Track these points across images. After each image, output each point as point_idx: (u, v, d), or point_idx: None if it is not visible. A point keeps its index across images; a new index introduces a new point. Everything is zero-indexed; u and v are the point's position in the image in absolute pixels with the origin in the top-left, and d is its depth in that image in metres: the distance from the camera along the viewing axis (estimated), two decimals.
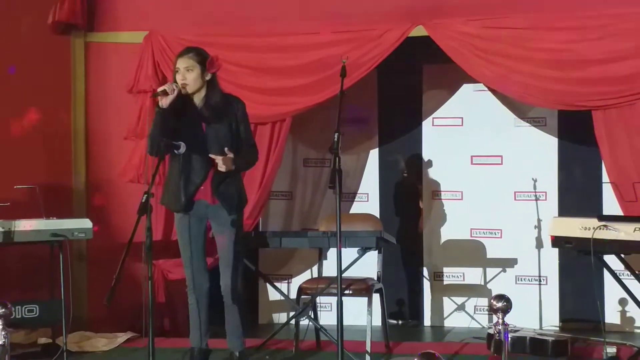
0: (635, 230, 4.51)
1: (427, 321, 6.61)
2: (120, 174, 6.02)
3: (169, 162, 4.75)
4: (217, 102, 4.64)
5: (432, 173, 6.63)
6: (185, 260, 4.79)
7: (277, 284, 6.19)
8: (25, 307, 5.24)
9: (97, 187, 6.17)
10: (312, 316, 5.35)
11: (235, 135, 4.67)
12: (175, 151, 4.58)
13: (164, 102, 4.49)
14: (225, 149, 4.55)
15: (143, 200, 4.20)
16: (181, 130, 4.56)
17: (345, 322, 4.26)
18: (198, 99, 4.66)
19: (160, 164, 4.40)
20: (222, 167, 4.54)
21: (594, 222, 4.67)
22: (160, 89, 4.52)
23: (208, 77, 4.64)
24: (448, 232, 6.60)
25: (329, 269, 5.40)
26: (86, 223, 5.29)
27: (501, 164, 6.50)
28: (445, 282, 6.61)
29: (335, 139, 4.17)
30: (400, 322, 6.68)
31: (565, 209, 6.25)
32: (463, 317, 6.54)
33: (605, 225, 4.60)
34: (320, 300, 5.93)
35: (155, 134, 4.51)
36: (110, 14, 6.19)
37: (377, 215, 6.32)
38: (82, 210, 6.05)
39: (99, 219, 5.81)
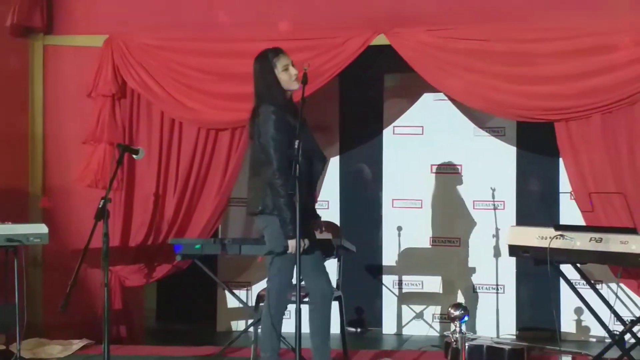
0: (590, 240, 4.57)
1: (385, 329, 6.62)
2: (79, 178, 5.95)
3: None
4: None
5: (392, 181, 6.65)
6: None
7: (236, 291, 6.18)
8: None
9: (54, 192, 6.08)
10: None
11: None
12: (134, 156, 4.54)
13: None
14: None
15: (100, 206, 4.17)
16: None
17: (303, 330, 4.23)
18: (289, 96, 4.54)
19: (118, 169, 4.36)
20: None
21: (550, 231, 4.73)
22: None
23: None
24: (408, 241, 6.62)
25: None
26: (42, 228, 5.22)
27: (460, 173, 6.54)
28: (404, 290, 6.63)
29: (296, 146, 4.16)
30: (358, 329, 6.68)
31: (523, 218, 6.30)
32: (421, 325, 6.56)
33: (561, 235, 4.66)
34: None
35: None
36: (70, 17, 6.12)
37: (337, 222, 6.32)
38: (38, 215, 5.96)
39: (56, 224, 5.73)
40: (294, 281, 4.40)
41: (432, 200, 6.57)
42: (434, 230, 6.57)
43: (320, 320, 4.52)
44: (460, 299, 6.42)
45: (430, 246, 6.59)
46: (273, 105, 4.39)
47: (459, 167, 6.55)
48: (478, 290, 6.48)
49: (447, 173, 6.56)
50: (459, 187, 6.52)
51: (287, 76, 4.47)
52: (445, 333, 6.16)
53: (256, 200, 4.44)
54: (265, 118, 4.37)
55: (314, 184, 4.54)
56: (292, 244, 4.27)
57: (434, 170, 6.59)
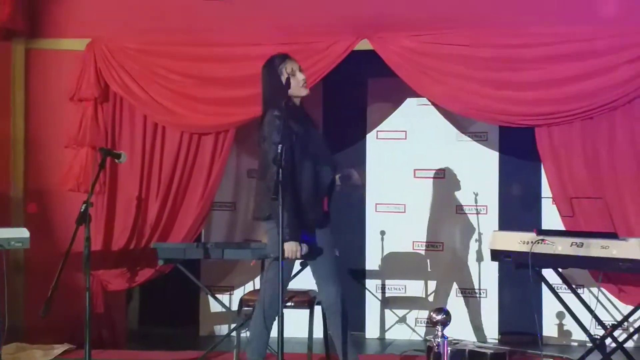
0: (572, 245, 4.60)
1: (368, 333, 6.63)
2: (61, 182, 5.92)
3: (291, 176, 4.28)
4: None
5: (376, 186, 6.66)
6: None
7: (219, 296, 6.16)
8: None
9: (36, 196, 6.05)
10: None
11: None
12: (116, 160, 4.53)
13: None
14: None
15: (82, 210, 4.15)
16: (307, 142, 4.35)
17: (286, 335, 4.22)
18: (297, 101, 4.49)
19: (100, 173, 4.34)
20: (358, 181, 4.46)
21: (532, 236, 4.75)
22: None
23: None
24: (390, 245, 6.63)
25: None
26: (23, 232, 5.18)
27: (443, 177, 6.57)
28: (387, 295, 6.64)
29: (279, 151, 4.16)
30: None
31: (506, 222, 6.33)
32: (404, 330, 6.58)
33: (543, 240, 4.68)
34: None
35: None
36: (53, 20, 6.08)
37: None
38: (20, 219, 5.92)
39: (38, 228, 5.70)
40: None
41: (415, 205, 6.59)
42: (417, 235, 6.58)
43: (334, 327, 4.51)
44: (443, 303, 6.44)
45: (413, 250, 6.60)
46: (278, 110, 4.34)
47: (442, 171, 6.57)
48: (461, 295, 6.50)
49: (430, 178, 6.58)
50: (441, 192, 6.54)
51: (295, 82, 4.43)
52: (427, 337, 6.20)
53: (263, 205, 4.41)
54: (268, 122, 4.35)
55: (320, 190, 4.46)
56: (287, 247, 4.25)
57: (417, 175, 6.61)
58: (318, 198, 4.46)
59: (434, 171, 6.57)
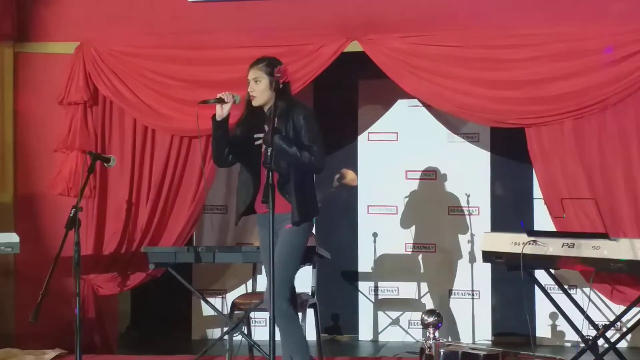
0: (563, 245, 4.59)
1: (362, 336, 6.61)
2: (50, 187, 5.89)
3: (240, 171, 4.55)
4: (280, 110, 4.36)
5: (367, 187, 6.65)
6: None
7: (211, 299, 6.14)
8: None
9: (25, 201, 6.01)
10: (246, 331, 5.30)
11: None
12: (106, 165, 4.51)
13: (221, 112, 4.35)
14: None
15: (71, 214, 4.13)
16: (246, 142, 4.38)
17: (278, 337, 4.22)
18: (266, 109, 4.47)
19: (89, 178, 4.32)
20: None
21: (523, 237, 4.74)
22: (216, 97, 4.34)
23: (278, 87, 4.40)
24: (383, 247, 6.62)
25: (264, 284, 5.34)
26: (13, 237, 5.15)
27: (435, 179, 6.56)
28: (380, 297, 6.63)
29: (269, 153, 4.14)
30: (334, 336, 6.67)
31: (498, 223, 6.33)
32: (397, 332, 6.56)
33: (534, 241, 4.67)
34: (255, 315, 5.89)
35: (214, 146, 4.41)
36: (41, 24, 6.06)
37: (312, 229, 6.29)
38: (9, 224, 5.89)
39: (28, 233, 5.67)
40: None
41: (407, 206, 6.57)
42: (409, 237, 6.57)
43: None
44: (436, 304, 6.43)
45: (405, 252, 6.59)
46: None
47: (433, 173, 6.56)
48: (453, 296, 6.49)
49: (422, 179, 6.57)
50: (433, 193, 6.53)
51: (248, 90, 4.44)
52: (419, 339, 6.19)
53: None
54: None
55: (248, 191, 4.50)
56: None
57: (409, 177, 6.60)
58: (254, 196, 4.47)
59: (426, 172, 6.56)
